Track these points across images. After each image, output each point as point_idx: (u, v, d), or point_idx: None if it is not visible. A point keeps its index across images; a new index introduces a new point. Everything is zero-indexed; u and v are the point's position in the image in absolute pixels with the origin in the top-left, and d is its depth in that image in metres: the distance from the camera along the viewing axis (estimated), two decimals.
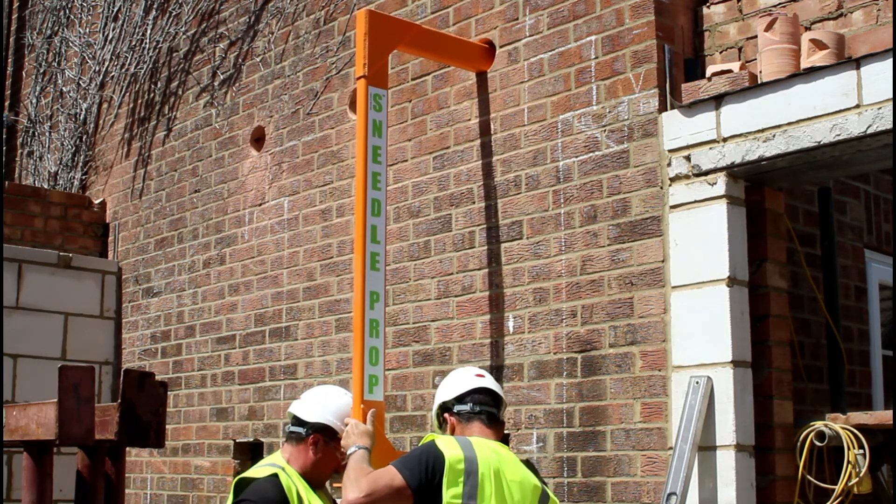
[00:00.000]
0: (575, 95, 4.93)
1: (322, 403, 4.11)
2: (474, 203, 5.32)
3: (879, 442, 4.34)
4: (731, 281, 4.31)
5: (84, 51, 8.77)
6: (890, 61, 3.90)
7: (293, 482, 3.87)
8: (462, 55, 5.36)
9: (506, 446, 3.99)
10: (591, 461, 4.65)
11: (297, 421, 4.07)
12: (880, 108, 3.92)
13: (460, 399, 3.97)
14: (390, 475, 3.68)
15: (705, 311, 4.33)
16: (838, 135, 4.02)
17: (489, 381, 4.05)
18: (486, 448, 3.78)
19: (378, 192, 4.85)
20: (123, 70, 8.25)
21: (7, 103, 9.74)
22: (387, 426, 5.34)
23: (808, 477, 4.30)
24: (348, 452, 3.93)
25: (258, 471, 3.99)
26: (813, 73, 4.13)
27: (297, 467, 3.97)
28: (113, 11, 8.46)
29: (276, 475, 3.88)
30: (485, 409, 3.94)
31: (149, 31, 7.98)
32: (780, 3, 4.59)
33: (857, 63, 4.01)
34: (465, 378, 4.06)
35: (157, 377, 4.19)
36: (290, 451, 4.03)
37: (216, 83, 7.23)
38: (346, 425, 4.09)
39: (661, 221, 4.53)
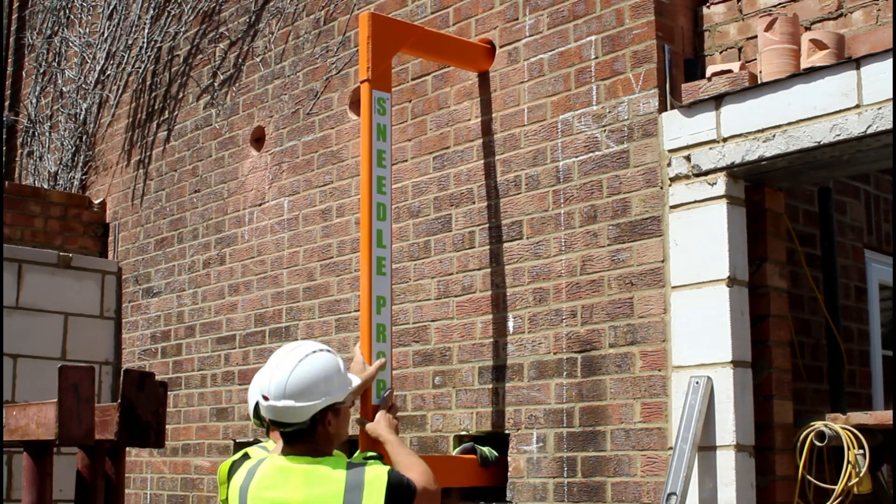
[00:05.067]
0: (575, 95, 4.93)
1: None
2: (474, 203, 5.32)
3: (879, 442, 4.34)
4: (731, 281, 4.31)
5: (84, 51, 8.77)
6: (890, 61, 3.90)
7: None
8: (464, 56, 5.36)
9: (313, 464, 3.39)
10: (591, 461, 4.65)
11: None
12: (880, 108, 3.92)
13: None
14: None
15: (705, 311, 4.33)
16: (838, 135, 4.02)
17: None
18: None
19: (383, 195, 4.82)
20: (123, 70, 8.25)
21: (7, 103, 9.74)
22: None
23: (808, 477, 4.30)
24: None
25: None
26: (813, 73, 4.12)
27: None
28: (113, 11, 8.46)
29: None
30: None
31: (151, 32, 7.97)
32: (780, 3, 4.59)
33: (857, 63, 4.01)
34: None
35: (157, 377, 4.19)
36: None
37: (216, 83, 7.23)
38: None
39: (661, 221, 4.53)
